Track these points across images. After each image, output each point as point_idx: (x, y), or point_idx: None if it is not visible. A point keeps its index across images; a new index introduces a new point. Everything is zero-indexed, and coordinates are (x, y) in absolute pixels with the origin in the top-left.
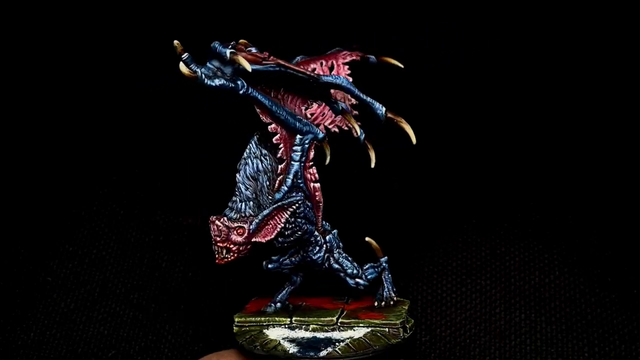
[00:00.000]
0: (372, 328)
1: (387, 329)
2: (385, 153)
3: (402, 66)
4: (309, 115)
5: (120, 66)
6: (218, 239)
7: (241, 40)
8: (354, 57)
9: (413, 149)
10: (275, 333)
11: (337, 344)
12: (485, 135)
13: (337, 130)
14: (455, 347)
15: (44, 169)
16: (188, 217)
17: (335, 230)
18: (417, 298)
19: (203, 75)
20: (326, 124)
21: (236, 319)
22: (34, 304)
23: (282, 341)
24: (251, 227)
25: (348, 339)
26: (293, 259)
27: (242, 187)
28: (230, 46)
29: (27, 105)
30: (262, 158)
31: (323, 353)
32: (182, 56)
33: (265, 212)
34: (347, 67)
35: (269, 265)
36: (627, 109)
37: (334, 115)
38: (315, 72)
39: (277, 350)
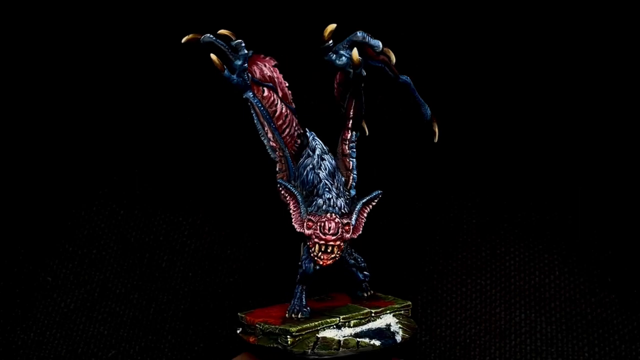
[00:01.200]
0: (394, 313)
1: (402, 312)
2: (385, 152)
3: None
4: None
5: (120, 66)
6: (332, 237)
7: (222, 31)
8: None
9: (413, 149)
10: (330, 333)
11: (392, 329)
12: (485, 136)
13: (298, 133)
14: (455, 347)
15: (44, 168)
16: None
17: None
18: (417, 298)
19: (362, 65)
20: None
21: (293, 330)
22: (34, 304)
23: (355, 338)
24: (352, 223)
25: (390, 324)
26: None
27: (329, 184)
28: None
29: (27, 105)
30: (329, 155)
31: (398, 338)
32: (328, 43)
33: (358, 207)
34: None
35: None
36: (627, 109)
37: (295, 121)
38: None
39: (363, 347)
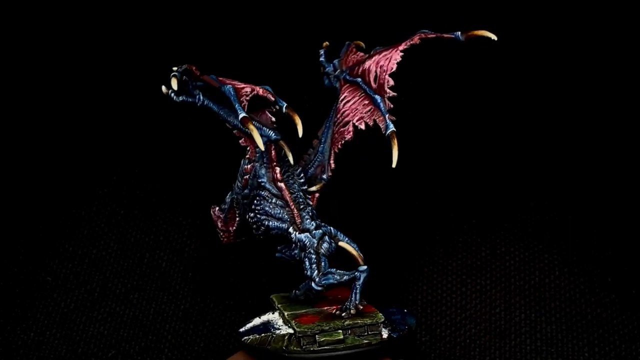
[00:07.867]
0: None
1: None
2: (383, 153)
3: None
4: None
5: (120, 66)
6: None
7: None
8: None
9: (413, 148)
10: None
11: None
12: (486, 136)
13: (362, 127)
14: (455, 347)
15: (44, 168)
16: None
17: (318, 231)
18: (417, 298)
19: None
20: (354, 120)
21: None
22: (34, 304)
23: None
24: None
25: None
26: (289, 252)
27: None
28: None
29: (27, 105)
30: None
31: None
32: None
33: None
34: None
35: (277, 254)
36: (627, 109)
37: (363, 111)
38: None
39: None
